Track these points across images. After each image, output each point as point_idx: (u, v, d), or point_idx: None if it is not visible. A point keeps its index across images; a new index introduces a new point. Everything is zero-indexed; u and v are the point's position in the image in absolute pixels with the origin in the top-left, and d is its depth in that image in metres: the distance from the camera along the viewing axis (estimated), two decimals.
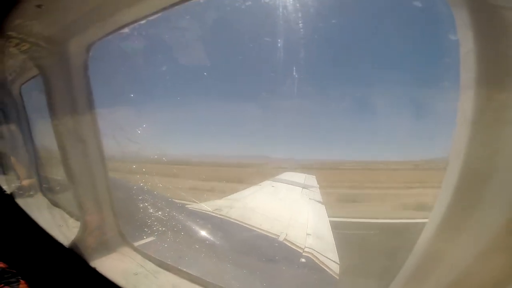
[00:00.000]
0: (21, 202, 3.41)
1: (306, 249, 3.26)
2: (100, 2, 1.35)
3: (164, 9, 1.37)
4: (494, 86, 0.58)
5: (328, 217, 4.66)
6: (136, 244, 2.04)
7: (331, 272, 2.84)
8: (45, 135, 3.03)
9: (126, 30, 1.51)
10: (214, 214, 3.80)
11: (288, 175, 8.50)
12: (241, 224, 3.64)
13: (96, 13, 1.43)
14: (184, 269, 1.71)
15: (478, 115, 0.60)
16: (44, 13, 1.43)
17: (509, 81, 0.57)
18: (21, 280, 1.37)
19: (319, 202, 5.61)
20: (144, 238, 2.27)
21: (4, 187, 3.95)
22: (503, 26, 0.55)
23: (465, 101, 0.62)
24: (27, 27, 1.55)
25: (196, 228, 2.95)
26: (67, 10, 1.44)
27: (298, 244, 3.35)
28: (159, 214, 2.68)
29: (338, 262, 3.03)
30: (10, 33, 1.61)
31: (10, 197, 3.62)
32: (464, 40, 0.61)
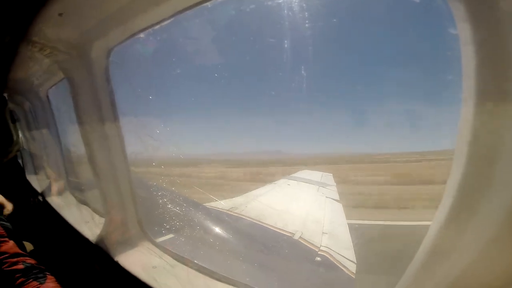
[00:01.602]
0: (51, 200, 3.64)
1: (321, 248, 3.23)
2: (116, 8, 1.41)
3: (180, 12, 1.41)
4: (495, 79, 0.58)
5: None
6: (155, 239, 2.12)
7: (347, 271, 2.80)
8: (72, 137, 3.20)
9: (143, 34, 1.58)
10: (229, 212, 3.86)
11: (304, 173, 8.41)
12: (256, 222, 3.67)
13: (113, 19, 1.49)
14: (200, 263, 1.77)
15: (480, 105, 0.60)
16: (65, 20, 1.49)
17: (508, 71, 0.57)
18: (48, 275, 1.41)
19: (336, 200, 5.53)
20: (162, 234, 2.36)
21: (36, 187, 4.24)
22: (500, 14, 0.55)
23: (468, 91, 0.61)
24: (51, 34, 1.62)
25: (211, 226, 3.01)
26: (86, 18, 1.51)
27: (313, 243, 3.33)
28: (177, 211, 2.77)
29: (355, 261, 2.98)
30: (35, 39, 1.68)
31: (42, 196, 3.87)
32: (463, 32, 0.61)
